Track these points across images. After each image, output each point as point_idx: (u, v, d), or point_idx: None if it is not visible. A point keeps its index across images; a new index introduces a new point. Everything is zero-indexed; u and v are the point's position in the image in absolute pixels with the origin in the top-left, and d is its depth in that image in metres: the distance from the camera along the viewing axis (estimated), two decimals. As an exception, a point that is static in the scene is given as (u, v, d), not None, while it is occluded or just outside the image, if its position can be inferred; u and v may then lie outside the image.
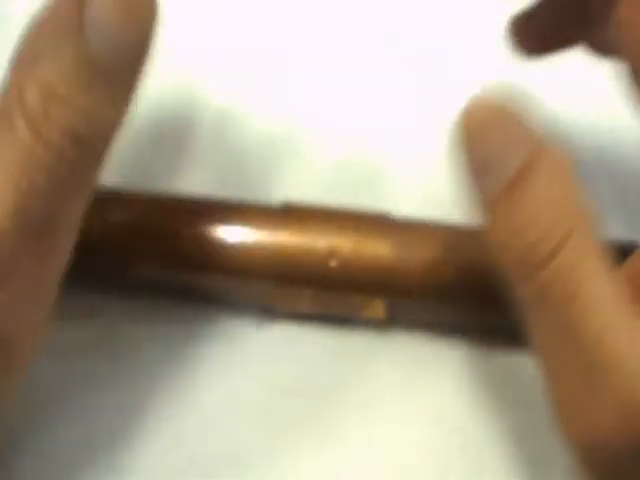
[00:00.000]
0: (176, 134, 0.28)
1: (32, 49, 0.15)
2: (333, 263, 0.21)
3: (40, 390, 0.21)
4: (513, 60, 0.24)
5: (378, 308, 0.22)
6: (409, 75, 0.29)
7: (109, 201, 0.22)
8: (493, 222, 0.15)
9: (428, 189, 0.26)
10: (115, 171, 0.26)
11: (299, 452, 0.21)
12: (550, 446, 0.21)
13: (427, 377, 0.22)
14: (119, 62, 0.15)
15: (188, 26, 0.28)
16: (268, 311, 0.23)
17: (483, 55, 0.29)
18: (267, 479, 0.20)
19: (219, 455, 0.21)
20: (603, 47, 0.22)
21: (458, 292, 0.21)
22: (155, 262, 0.22)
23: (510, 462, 0.21)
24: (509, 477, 0.21)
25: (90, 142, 0.15)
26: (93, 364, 0.22)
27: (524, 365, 0.22)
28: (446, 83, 0.29)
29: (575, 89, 0.28)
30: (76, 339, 0.22)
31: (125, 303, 0.23)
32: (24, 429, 0.21)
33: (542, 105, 0.15)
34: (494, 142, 0.15)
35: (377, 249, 0.21)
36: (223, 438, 0.21)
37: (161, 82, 0.29)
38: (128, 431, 0.21)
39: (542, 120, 0.16)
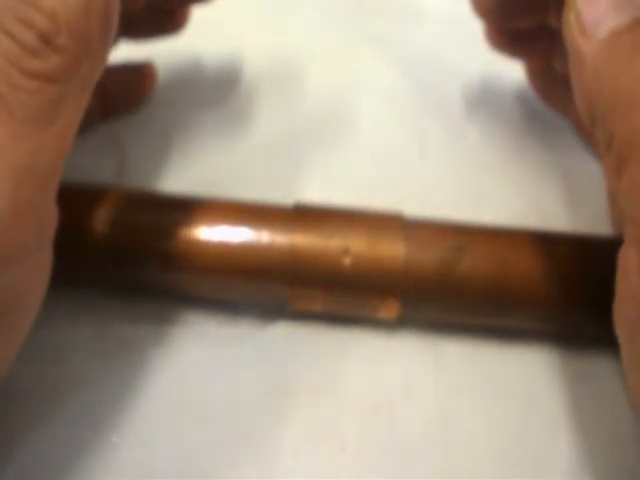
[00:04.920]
0: (187, 135, 0.28)
1: None
2: (347, 262, 0.21)
3: (36, 390, 0.21)
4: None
5: (393, 307, 0.22)
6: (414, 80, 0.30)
7: (119, 200, 0.23)
8: None
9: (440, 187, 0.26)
10: (134, 173, 0.27)
11: (298, 451, 0.21)
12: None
13: (431, 377, 0.22)
14: None
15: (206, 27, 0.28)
16: (273, 311, 0.23)
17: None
18: (267, 476, 0.20)
19: (218, 454, 0.21)
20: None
21: (470, 291, 0.22)
22: (165, 263, 0.22)
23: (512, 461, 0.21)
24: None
25: None
26: (88, 364, 0.22)
27: (533, 363, 0.23)
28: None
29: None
30: (71, 339, 0.22)
31: (124, 303, 0.23)
32: (22, 429, 0.21)
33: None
34: None
35: (390, 248, 0.21)
36: (221, 437, 0.21)
37: (169, 80, 0.29)
38: (125, 431, 0.21)
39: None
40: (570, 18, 0.18)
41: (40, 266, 0.18)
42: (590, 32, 0.17)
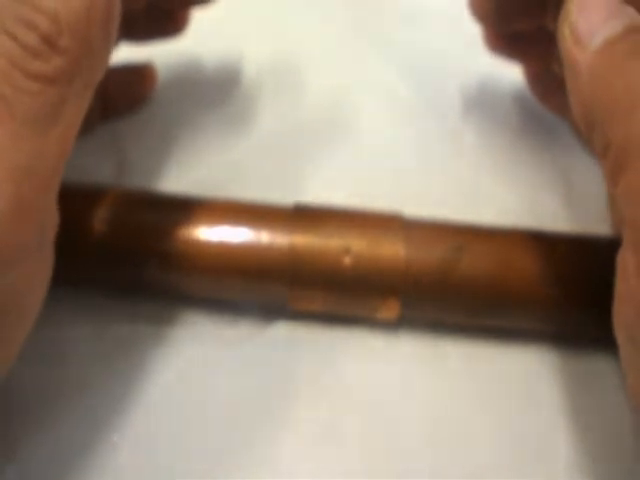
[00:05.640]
0: (188, 135, 0.28)
1: None
2: (347, 263, 0.21)
3: (37, 390, 0.21)
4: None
5: (393, 307, 0.22)
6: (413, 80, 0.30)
7: (119, 200, 0.23)
8: None
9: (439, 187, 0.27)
10: (133, 173, 0.26)
11: (298, 451, 0.21)
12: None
13: (431, 377, 0.22)
14: None
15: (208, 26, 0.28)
16: (273, 311, 0.23)
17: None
18: (267, 476, 0.20)
19: (218, 454, 0.21)
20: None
21: (470, 291, 0.22)
22: (165, 263, 0.22)
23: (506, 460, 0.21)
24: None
25: None
26: (89, 364, 0.22)
27: (532, 363, 0.23)
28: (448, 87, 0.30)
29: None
30: (71, 339, 0.22)
31: (125, 303, 0.23)
32: (23, 429, 0.21)
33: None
34: None
35: (390, 248, 0.22)
36: (221, 437, 0.21)
37: (169, 80, 0.29)
38: (126, 431, 0.21)
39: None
40: (565, 29, 0.18)
41: (41, 267, 0.18)
42: (585, 42, 0.18)
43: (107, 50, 0.17)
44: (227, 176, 0.26)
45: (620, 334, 0.18)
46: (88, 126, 0.26)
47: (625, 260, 0.17)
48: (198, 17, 0.27)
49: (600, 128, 0.17)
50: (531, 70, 0.28)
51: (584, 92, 0.18)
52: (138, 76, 0.28)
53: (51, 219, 0.18)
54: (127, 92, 0.28)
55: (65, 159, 0.17)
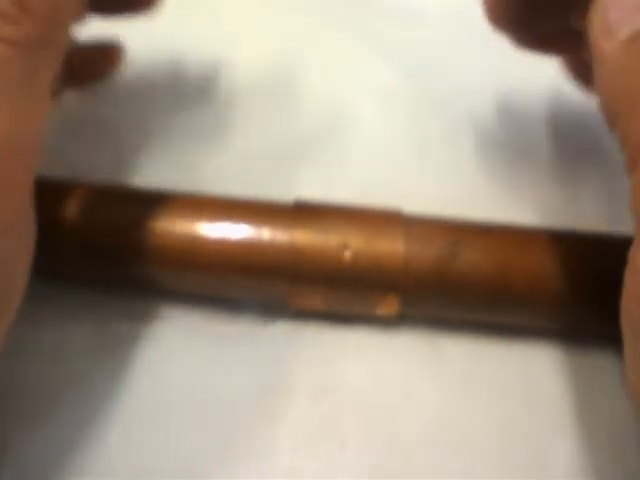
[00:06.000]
0: (186, 133, 0.28)
1: None
2: (347, 259, 0.21)
3: (33, 389, 0.21)
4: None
5: (393, 304, 0.22)
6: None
7: (118, 197, 0.23)
8: None
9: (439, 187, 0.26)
10: (132, 172, 0.26)
11: (297, 450, 0.21)
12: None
13: (432, 375, 0.22)
14: None
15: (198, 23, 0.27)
16: (273, 309, 0.23)
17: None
18: (266, 476, 0.20)
19: (217, 453, 0.21)
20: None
21: (470, 287, 0.21)
22: (165, 260, 0.22)
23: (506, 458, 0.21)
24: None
25: None
26: (85, 363, 0.22)
27: (534, 361, 0.23)
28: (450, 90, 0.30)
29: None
30: (68, 338, 0.22)
31: (123, 301, 0.23)
32: (18, 428, 0.21)
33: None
34: None
35: (390, 245, 0.21)
36: (220, 436, 0.21)
37: (168, 79, 0.29)
38: (123, 430, 0.21)
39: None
40: (594, 17, 0.18)
41: (22, 243, 0.17)
42: (613, 32, 0.18)
43: (75, 14, 0.17)
44: (227, 175, 0.26)
45: (627, 330, 0.17)
46: (53, 94, 0.26)
47: (636, 257, 0.17)
48: (196, 17, 0.27)
49: (620, 120, 0.17)
50: (566, 59, 0.27)
51: (608, 82, 0.18)
52: (104, 54, 0.28)
53: (30, 192, 0.17)
54: (91, 67, 0.27)
55: (41, 127, 0.17)
